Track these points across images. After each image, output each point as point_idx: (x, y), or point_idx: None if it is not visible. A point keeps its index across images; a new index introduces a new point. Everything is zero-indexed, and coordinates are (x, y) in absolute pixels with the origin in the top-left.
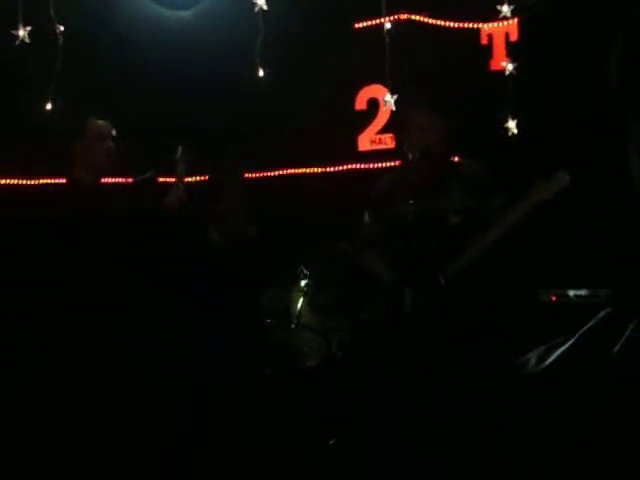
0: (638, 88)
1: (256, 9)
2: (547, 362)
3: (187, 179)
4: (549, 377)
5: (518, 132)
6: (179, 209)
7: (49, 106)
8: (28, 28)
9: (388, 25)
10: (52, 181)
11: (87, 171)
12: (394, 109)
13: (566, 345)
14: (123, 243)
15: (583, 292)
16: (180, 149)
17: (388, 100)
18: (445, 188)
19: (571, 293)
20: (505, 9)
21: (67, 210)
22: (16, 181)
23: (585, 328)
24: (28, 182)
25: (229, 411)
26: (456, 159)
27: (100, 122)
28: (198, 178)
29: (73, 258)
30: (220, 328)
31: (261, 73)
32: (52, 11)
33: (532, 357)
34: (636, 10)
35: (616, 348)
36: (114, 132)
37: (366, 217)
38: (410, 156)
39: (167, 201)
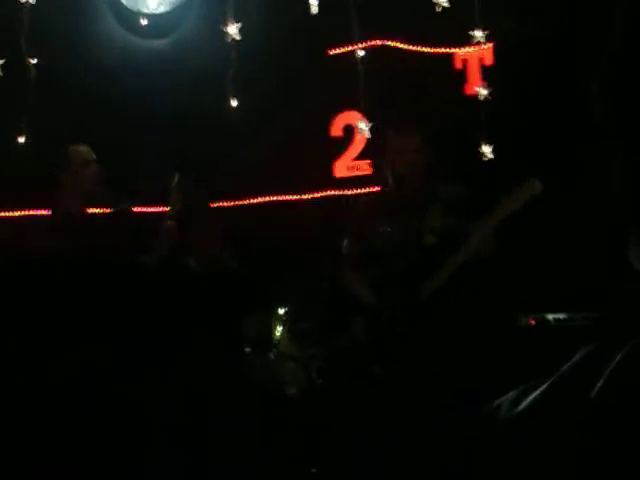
0: (622, 124)
1: (228, 39)
2: (520, 408)
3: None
4: (522, 425)
5: (493, 157)
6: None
7: (22, 139)
8: (0, 61)
9: (361, 52)
10: (28, 212)
11: (76, 199)
12: (368, 136)
13: (540, 389)
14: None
15: (562, 316)
16: (176, 177)
17: (362, 127)
18: (423, 210)
19: (550, 317)
20: (478, 34)
21: (61, 242)
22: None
23: (561, 371)
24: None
25: (207, 438)
26: (435, 182)
27: (82, 148)
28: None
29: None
30: (199, 356)
31: (234, 103)
32: (23, 43)
33: (505, 402)
34: (614, 41)
35: (594, 392)
36: (94, 156)
37: (346, 241)
38: (389, 179)
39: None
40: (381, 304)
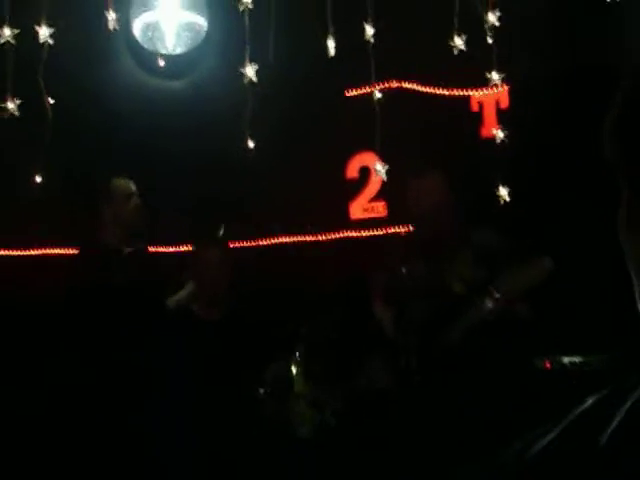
0: (633, 160)
1: (245, 81)
2: (530, 454)
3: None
4: (531, 472)
5: (510, 200)
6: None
7: (39, 179)
8: (17, 101)
9: (378, 94)
10: (50, 251)
11: (119, 232)
12: (385, 179)
13: (549, 435)
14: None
15: (577, 359)
16: (223, 227)
17: (379, 170)
18: (452, 255)
19: (565, 360)
20: (495, 77)
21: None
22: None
23: (570, 417)
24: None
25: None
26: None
27: (124, 181)
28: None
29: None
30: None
31: (251, 145)
32: (41, 83)
33: (511, 452)
34: (628, 83)
35: (603, 439)
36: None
37: (379, 276)
38: (413, 223)
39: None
40: (399, 349)
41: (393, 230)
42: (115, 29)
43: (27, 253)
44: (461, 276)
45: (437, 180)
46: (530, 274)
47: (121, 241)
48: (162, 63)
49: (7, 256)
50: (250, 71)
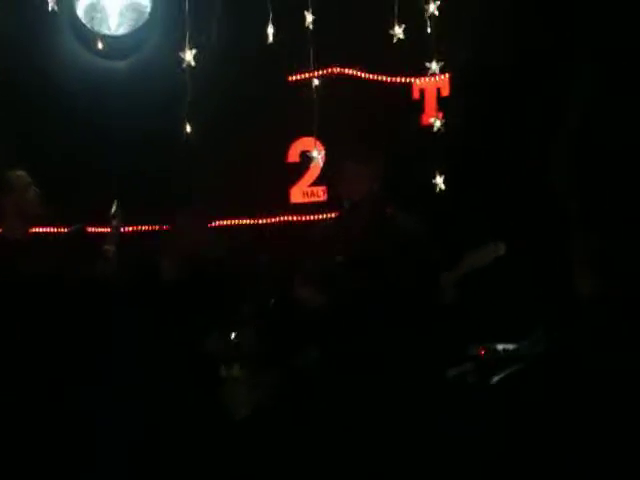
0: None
1: (184, 65)
2: None
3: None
4: None
5: (445, 188)
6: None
7: None
8: None
9: (316, 80)
10: None
11: (17, 222)
12: (320, 165)
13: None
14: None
15: (511, 346)
16: (115, 204)
17: (315, 156)
18: (378, 240)
19: (499, 347)
20: (433, 66)
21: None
22: None
23: None
24: None
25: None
26: (389, 211)
27: (20, 172)
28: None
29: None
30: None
31: (189, 129)
32: None
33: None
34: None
35: None
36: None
37: (305, 262)
38: (343, 206)
39: (98, 267)
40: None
41: (332, 215)
42: (55, 8)
43: None
44: (387, 260)
45: (367, 167)
46: (478, 257)
47: (21, 232)
48: (101, 46)
49: None
50: (189, 55)
